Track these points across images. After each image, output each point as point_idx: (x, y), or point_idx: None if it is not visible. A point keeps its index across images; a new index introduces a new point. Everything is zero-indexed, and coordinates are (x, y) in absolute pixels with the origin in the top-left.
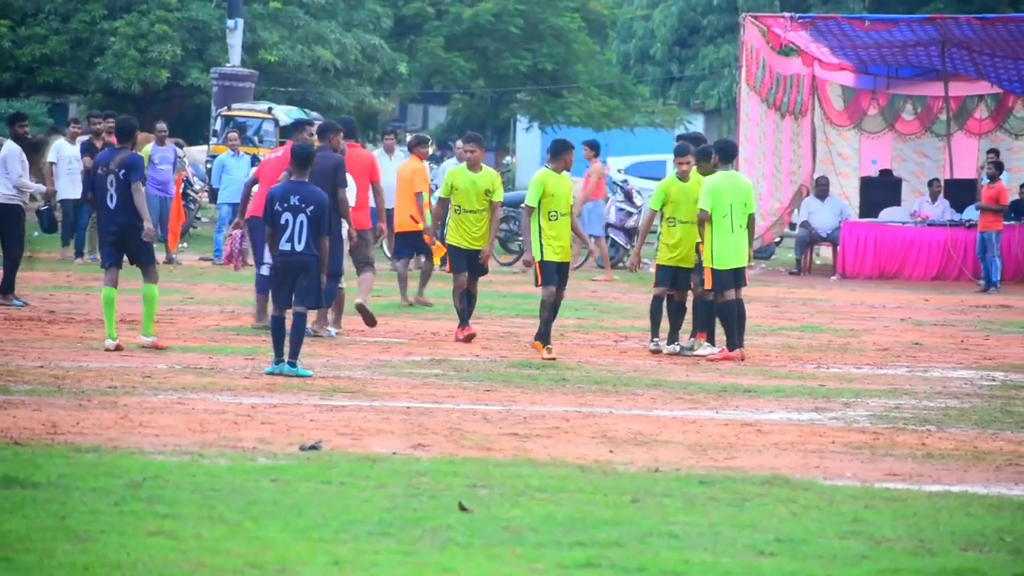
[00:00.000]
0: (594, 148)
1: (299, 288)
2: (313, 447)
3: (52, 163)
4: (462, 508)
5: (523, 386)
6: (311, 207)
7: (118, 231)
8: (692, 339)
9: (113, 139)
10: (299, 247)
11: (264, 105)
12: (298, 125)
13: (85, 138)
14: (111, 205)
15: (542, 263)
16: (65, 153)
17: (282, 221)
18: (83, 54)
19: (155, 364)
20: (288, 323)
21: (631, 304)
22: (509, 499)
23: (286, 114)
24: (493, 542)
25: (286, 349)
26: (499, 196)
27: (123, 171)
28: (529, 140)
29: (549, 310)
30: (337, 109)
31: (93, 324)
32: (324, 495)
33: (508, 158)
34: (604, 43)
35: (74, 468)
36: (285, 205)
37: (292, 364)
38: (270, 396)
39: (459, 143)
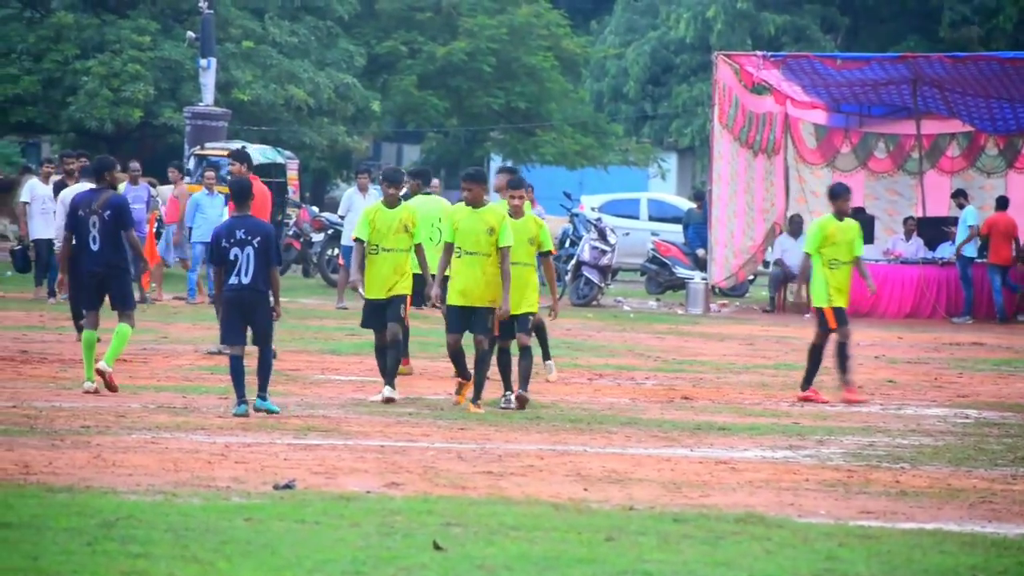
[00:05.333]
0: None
1: (254, 328)
2: (287, 486)
3: (25, 203)
4: (436, 547)
5: (497, 424)
6: (257, 238)
7: (101, 272)
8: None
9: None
10: (246, 280)
11: (237, 144)
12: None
13: (58, 178)
14: (94, 247)
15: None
16: (38, 193)
17: (231, 257)
18: (55, 94)
19: (128, 403)
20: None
21: (605, 342)
22: (483, 537)
23: (260, 153)
24: None
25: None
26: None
27: (107, 212)
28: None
29: (452, 359)
30: (310, 148)
31: (66, 364)
32: (298, 534)
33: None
34: (577, 81)
35: (47, 508)
36: (232, 240)
37: (262, 397)
38: (244, 435)
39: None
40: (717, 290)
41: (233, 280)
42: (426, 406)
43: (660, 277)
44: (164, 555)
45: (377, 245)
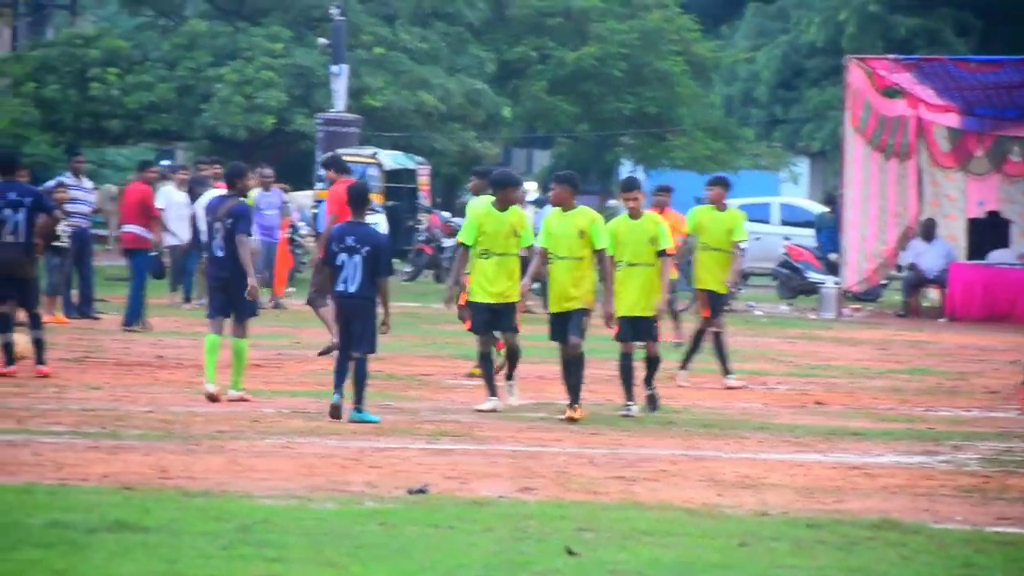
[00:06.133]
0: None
1: (354, 334)
2: (420, 490)
3: (161, 209)
4: (569, 552)
5: (629, 429)
6: (367, 248)
7: (225, 278)
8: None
9: (221, 185)
10: (352, 288)
11: (369, 150)
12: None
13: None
14: (219, 253)
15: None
16: (173, 199)
17: (338, 262)
18: (189, 101)
19: (263, 408)
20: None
21: (737, 347)
22: (616, 543)
23: (391, 159)
24: None
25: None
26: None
27: (230, 220)
28: None
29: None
30: (441, 153)
31: (202, 369)
32: (431, 539)
33: (612, 201)
34: (708, 86)
35: (184, 512)
36: (341, 246)
37: (358, 409)
38: (377, 440)
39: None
40: (849, 294)
41: (340, 287)
42: (558, 411)
43: (792, 281)
44: (299, 559)
45: (487, 249)
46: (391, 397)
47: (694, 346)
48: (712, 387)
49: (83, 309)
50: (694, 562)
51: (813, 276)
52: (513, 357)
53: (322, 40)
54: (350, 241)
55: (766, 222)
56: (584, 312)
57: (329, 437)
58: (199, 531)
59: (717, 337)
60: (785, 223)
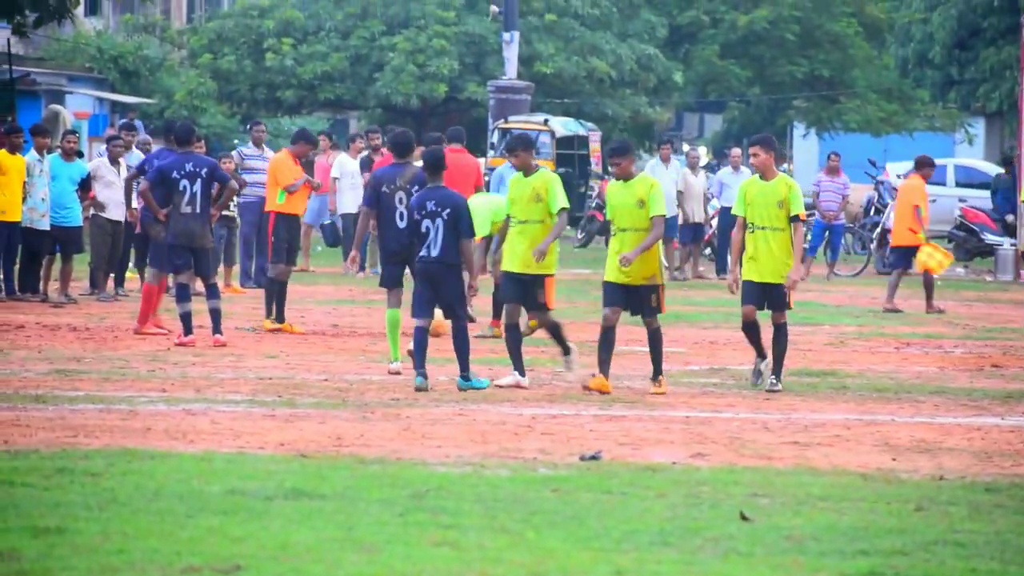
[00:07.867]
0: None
1: (443, 301)
2: (593, 457)
3: (335, 178)
4: (743, 517)
5: (803, 394)
6: (447, 210)
7: (406, 250)
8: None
9: (381, 152)
10: (434, 252)
11: (540, 117)
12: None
13: (365, 153)
14: (400, 224)
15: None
16: (348, 168)
17: (423, 229)
18: (363, 70)
19: (437, 376)
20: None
21: (912, 310)
22: (791, 508)
23: (562, 125)
24: (775, 551)
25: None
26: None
27: (416, 188)
28: (806, 146)
29: (601, 333)
30: (613, 119)
31: (376, 337)
32: (605, 505)
33: (785, 165)
34: (881, 47)
35: (359, 479)
36: (423, 212)
37: (465, 378)
38: (550, 407)
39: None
40: None
41: (423, 252)
42: (730, 376)
43: (968, 244)
44: (474, 526)
45: (512, 216)
46: (562, 364)
47: None
48: (885, 351)
49: (259, 279)
50: (869, 527)
51: (989, 238)
52: (554, 332)
53: (494, 7)
54: (431, 206)
55: (941, 184)
56: (652, 289)
57: (502, 404)
58: (374, 498)
59: None
60: (960, 185)
